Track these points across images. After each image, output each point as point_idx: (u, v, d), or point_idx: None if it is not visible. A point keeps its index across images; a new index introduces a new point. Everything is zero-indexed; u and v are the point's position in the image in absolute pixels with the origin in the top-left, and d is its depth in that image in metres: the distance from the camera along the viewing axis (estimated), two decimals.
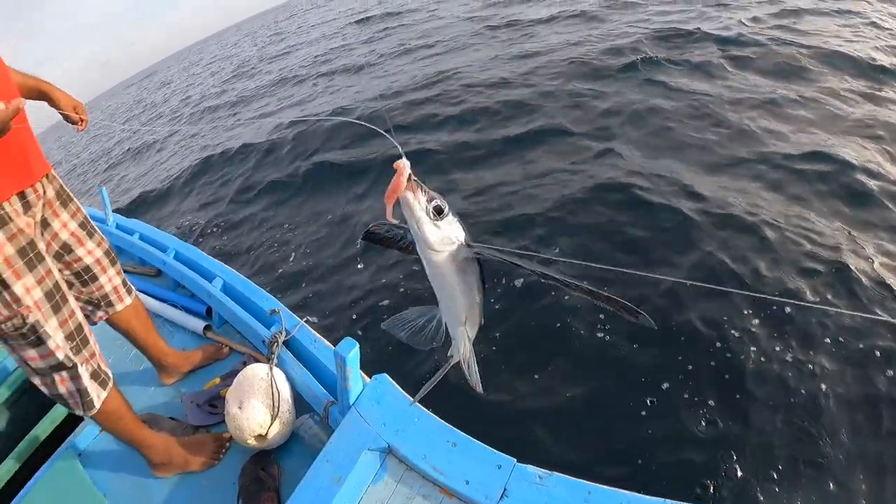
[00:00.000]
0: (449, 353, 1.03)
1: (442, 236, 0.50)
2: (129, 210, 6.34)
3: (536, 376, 2.14)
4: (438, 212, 0.49)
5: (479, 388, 1.09)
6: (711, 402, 1.96)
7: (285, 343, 1.53)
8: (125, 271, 1.66)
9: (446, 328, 0.94)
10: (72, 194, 1.51)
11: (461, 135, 4.76)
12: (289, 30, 25.08)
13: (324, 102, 7.73)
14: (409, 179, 0.50)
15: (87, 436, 1.69)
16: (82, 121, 1.65)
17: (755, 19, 6.37)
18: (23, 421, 2.11)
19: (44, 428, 1.78)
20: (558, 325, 2.31)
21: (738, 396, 1.97)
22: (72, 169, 13.89)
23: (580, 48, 6.42)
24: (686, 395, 2.00)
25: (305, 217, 4.20)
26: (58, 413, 1.79)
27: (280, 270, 3.50)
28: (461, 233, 0.52)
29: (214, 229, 4.74)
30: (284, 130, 6.49)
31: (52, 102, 1.62)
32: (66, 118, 1.64)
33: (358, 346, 1.31)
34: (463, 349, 0.97)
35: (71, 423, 1.78)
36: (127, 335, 1.65)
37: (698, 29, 6.13)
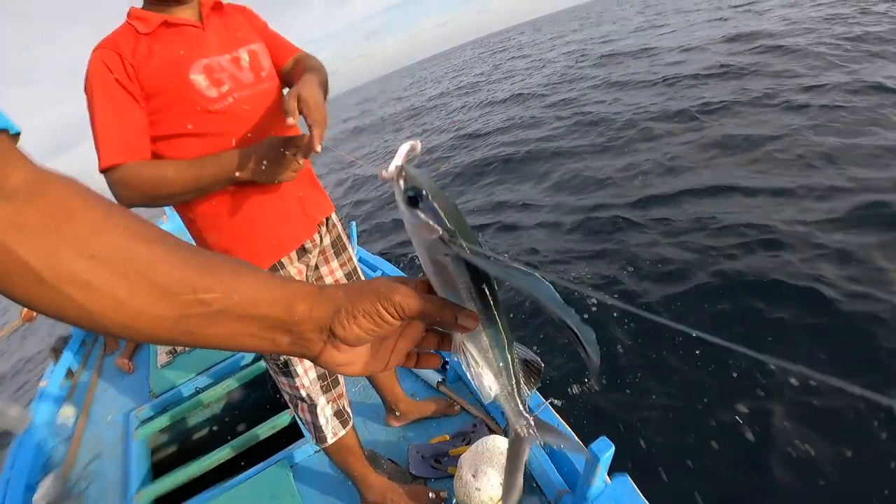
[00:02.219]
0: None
1: (414, 222, 0.43)
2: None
3: None
4: (412, 199, 0.44)
5: None
6: None
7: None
8: None
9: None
10: (347, 242, 1.53)
11: None
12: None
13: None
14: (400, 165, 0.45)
15: (304, 451, 1.81)
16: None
17: None
18: (237, 409, 2.35)
19: (265, 430, 1.94)
20: None
21: None
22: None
23: None
24: None
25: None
26: (280, 420, 1.95)
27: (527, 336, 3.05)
28: (436, 225, 0.43)
29: None
30: None
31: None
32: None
33: (613, 448, 1.32)
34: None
35: (290, 432, 1.94)
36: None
37: None
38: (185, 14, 1.22)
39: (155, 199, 1.15)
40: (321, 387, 1.41)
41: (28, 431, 2.53)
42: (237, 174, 1.14)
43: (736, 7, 14.10)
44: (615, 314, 2.88)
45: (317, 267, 1.44)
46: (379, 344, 0.49)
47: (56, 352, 3.58)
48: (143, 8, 1.22)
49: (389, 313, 0.43)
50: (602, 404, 2.33)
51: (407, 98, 24.36)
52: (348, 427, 1.48)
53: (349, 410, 1.51)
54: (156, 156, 1.19)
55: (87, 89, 1.13)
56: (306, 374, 1.37)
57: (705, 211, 3.85)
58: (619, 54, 12.55)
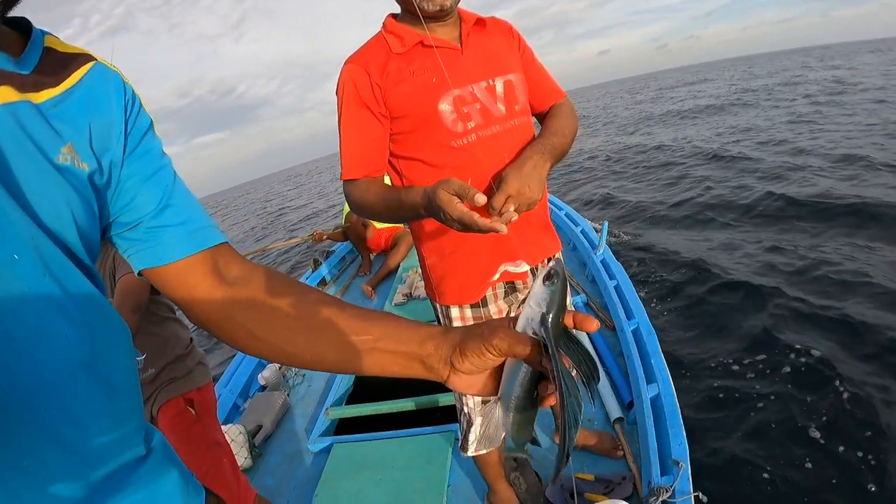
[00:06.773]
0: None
1: (538, 291, 0.53)
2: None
3: None
4: (549, 275, 0.53)
5: None
6: None
7: (664, 501, 1.69)
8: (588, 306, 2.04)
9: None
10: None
11: None
12: None
13: None
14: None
15: None
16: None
17: None
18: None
19: (445, 399, 2.30)
20: None
21: None
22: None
23: None
24: None
25: None
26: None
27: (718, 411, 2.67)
28: (544, 304, 0.52)
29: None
30: None
31: None
32: None
33: None
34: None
35: None
36: None
37: None
38: (444, 32, 1.16)
39: (368, 217, 1.27)
40: (481, 410, 1.43)
41: None
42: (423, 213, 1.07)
43: None
44: None
45: (524, 301, 1.64)
46: (494, 373, 0.59)
47: (316, 263, 4.42)
48: (400, 21, 1.18)
49: (490, 352, 0.54)
50: None
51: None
52: (491, 448, 1.53)
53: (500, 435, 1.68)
54: (394, 170, 1.26)
55: (337, 101, 1.18)
56: (474, 397, 1.39)
57: None
58: None
